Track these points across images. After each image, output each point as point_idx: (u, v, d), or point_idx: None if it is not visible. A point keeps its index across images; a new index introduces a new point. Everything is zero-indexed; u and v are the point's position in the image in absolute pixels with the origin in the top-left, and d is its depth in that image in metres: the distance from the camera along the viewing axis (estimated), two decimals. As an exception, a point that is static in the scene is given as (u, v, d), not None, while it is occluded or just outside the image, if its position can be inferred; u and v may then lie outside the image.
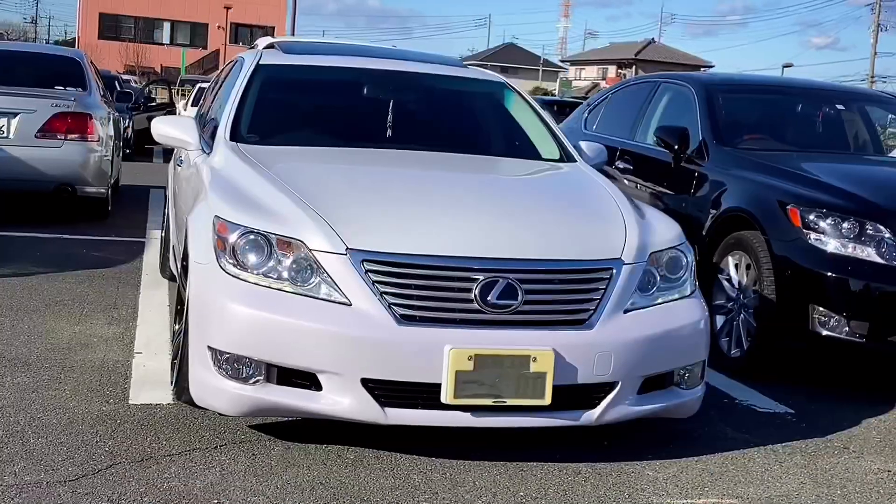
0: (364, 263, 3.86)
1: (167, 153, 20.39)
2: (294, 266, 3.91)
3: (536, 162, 5.43)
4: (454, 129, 5.81)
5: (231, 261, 3.97)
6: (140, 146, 18.71)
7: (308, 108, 5.69)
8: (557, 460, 4.11)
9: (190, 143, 5.26)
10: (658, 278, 4.25)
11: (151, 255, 8.13)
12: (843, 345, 5.31)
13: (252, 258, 3.95)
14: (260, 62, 5.66)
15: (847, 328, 5.27)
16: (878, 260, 5.26)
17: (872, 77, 64.36)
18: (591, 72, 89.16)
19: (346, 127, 5.54)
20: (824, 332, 5.32)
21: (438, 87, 5.97)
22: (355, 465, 3.91)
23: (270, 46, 6.31)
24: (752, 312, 5.67)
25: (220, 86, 6.39)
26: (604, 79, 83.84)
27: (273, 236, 3.96)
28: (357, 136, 5.42)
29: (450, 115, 5.96)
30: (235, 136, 5.12)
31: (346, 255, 3.87)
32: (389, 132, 5.46)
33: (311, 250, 3.91)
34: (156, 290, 6.88)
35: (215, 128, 5.42)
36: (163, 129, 5.34)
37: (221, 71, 7.13)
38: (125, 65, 57.26)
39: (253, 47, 6.99)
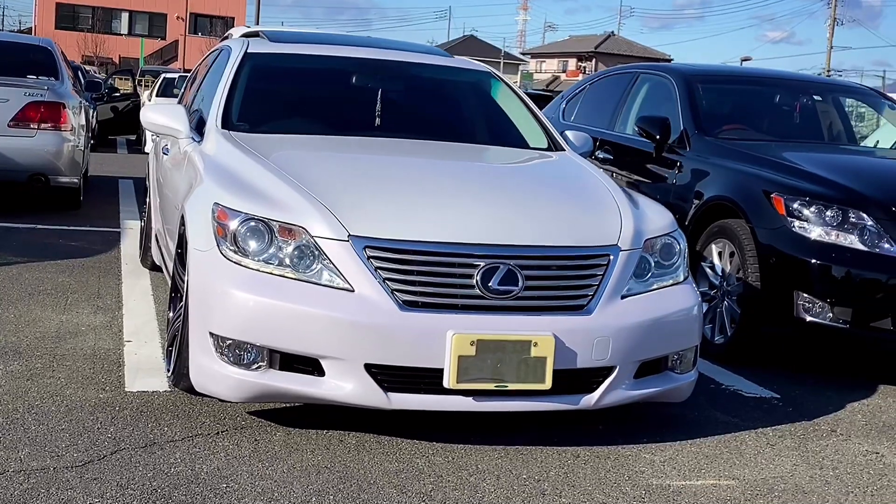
0: (366, 250, 3.88)
1: (131, 144, 20.30)
2: (296, 253, 3.92)
3: (527, 150, 5.48)
4: (444, 118, 5.85)
5: (232, 248, 3.98)
6: (103, 137, 18.55)
7: (298, 96, 5.69)
8: (556, 444, 4.16)
9: (181, 131, 5.24)
10: (652, 265, 4.32)
11: (128, 245, 8.10)
12: (827, 330, 5.42)
13: (253, 245, 3.96)
14: (248, 50, 5.66)
15: (831, 314, 5.37)
16: (861, 247, 5.37)
17: (829, 71, 65.09)
18: (552, 64, 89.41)
19: (336, 115, 5.55)
20: (808, 318, 5.42)
21: (427, 76, 6.01)
22: (358, 449, 3.94)
23: (254, 35, 6.30)
24: (735, 299, 5.76)
25: (205, 76, 6.36)
26: (564, 71, 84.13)
27: (274, 223, 3.98)
28: (347, 125, 5.44)
29: (439, 104, 5.99)
30: (226, 124, 5.12)
31: (348, 241, 3.90)
32: (379, 121, 5.48)
33: (312, 237, 3.93)
34: (137, 279, 6.85)
35: (201, 117, 5.43)
36: (152, 117, 5.32)
37: (202, 62, 7.10)
38: (83, 55, 56.61)
39: (226, 37, 6.98)
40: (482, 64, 6.29)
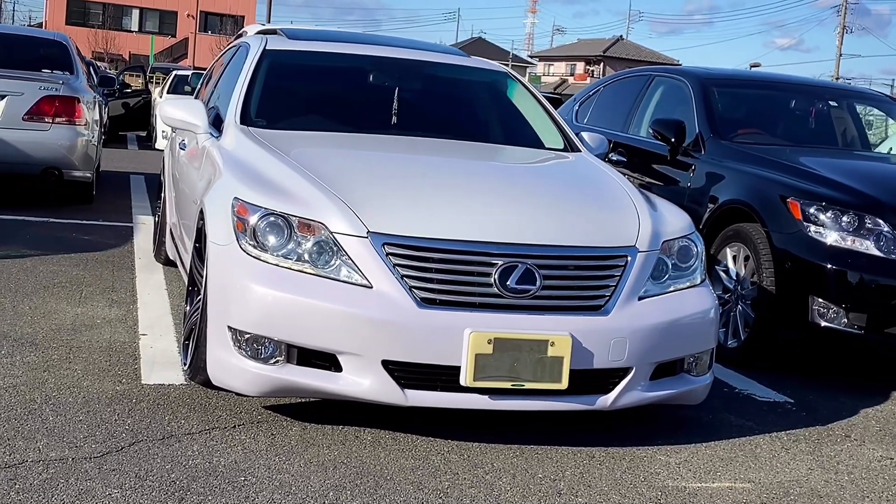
0: (385, 247, 3.89)
1: (141, 140, 20.32)
2: (315, 248, 3.93)
3: (543, 151, 5.49)
4: (461, 117, 5.87)
5: (251, 242, 3.99)
6: (114, 133, 18.57)
7: (316, 93, 5.71)
8: (571, 444, 4.16)
9: (199, 125, 5.26)
10: (670, 266, 4.32)
11: (141, 240, 8.12)
12: (842, 336, 5.41)
13: (272, 240, 3.97)
14: (267, 47, 5.67)
15: (846, 320, 5.37)
16: (877, 253, 5.37)
17: (837, 78, 65.00)
18: (560, 67, 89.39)
19: (354, 113, 5.56)
20: (823, 324, 5.42)
21: (444, 76, 6.02)
22: (374, 445, 3.95)
23: (271, 32, 6.32)
24: (749, 304, 5.75)
25: (221, 73, 6.38)
26: (572, 75, 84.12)
27: (294, 218, 3.98)
28: (364, 123, 5.45)
29: (456, 103, 6.01)
30: (245, 119, 5.14)
31: (367, 237, 3.90)
32: (396, 119, 5.49)
33: (331, 233, 3.93)
34: (151, 273, 6.87)
35: (218, 113, 5.44)
36: (171, 111, 5.33)
37: (218, 59, 7.12)
38: (93, 51, 56.67)
39: (240, 35, 7.00)
40: (498, 64, 6.30)
